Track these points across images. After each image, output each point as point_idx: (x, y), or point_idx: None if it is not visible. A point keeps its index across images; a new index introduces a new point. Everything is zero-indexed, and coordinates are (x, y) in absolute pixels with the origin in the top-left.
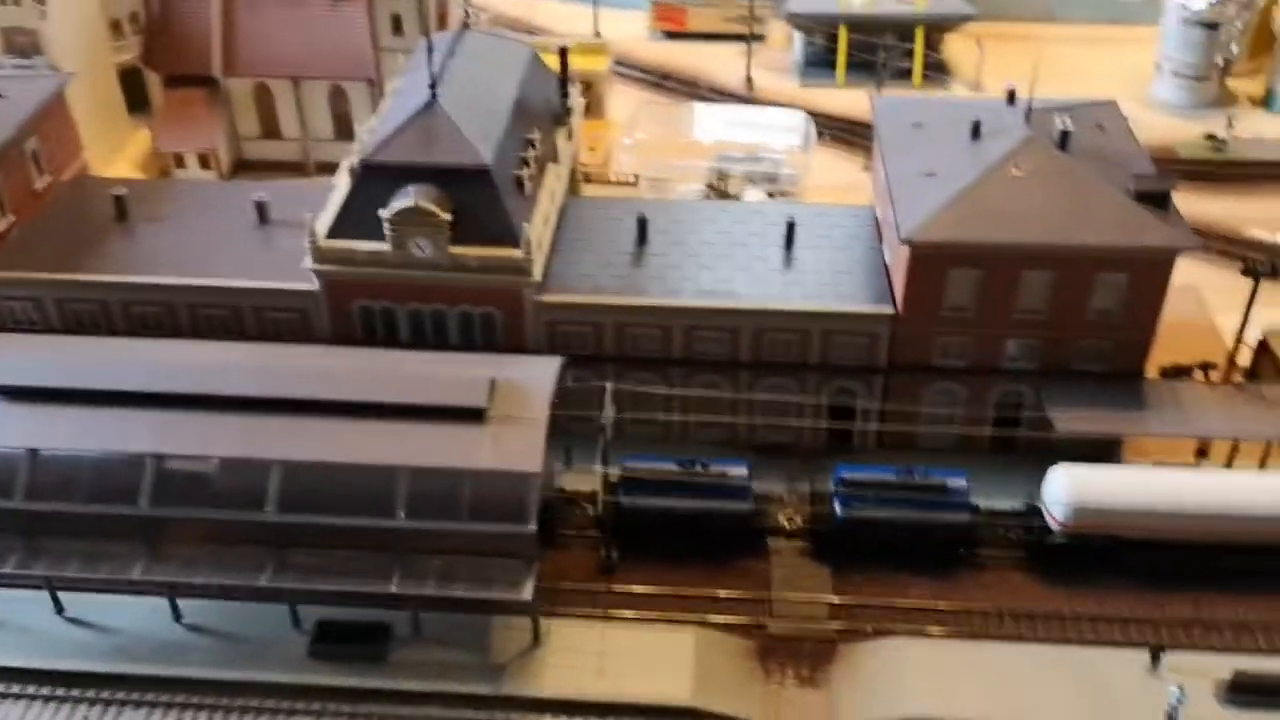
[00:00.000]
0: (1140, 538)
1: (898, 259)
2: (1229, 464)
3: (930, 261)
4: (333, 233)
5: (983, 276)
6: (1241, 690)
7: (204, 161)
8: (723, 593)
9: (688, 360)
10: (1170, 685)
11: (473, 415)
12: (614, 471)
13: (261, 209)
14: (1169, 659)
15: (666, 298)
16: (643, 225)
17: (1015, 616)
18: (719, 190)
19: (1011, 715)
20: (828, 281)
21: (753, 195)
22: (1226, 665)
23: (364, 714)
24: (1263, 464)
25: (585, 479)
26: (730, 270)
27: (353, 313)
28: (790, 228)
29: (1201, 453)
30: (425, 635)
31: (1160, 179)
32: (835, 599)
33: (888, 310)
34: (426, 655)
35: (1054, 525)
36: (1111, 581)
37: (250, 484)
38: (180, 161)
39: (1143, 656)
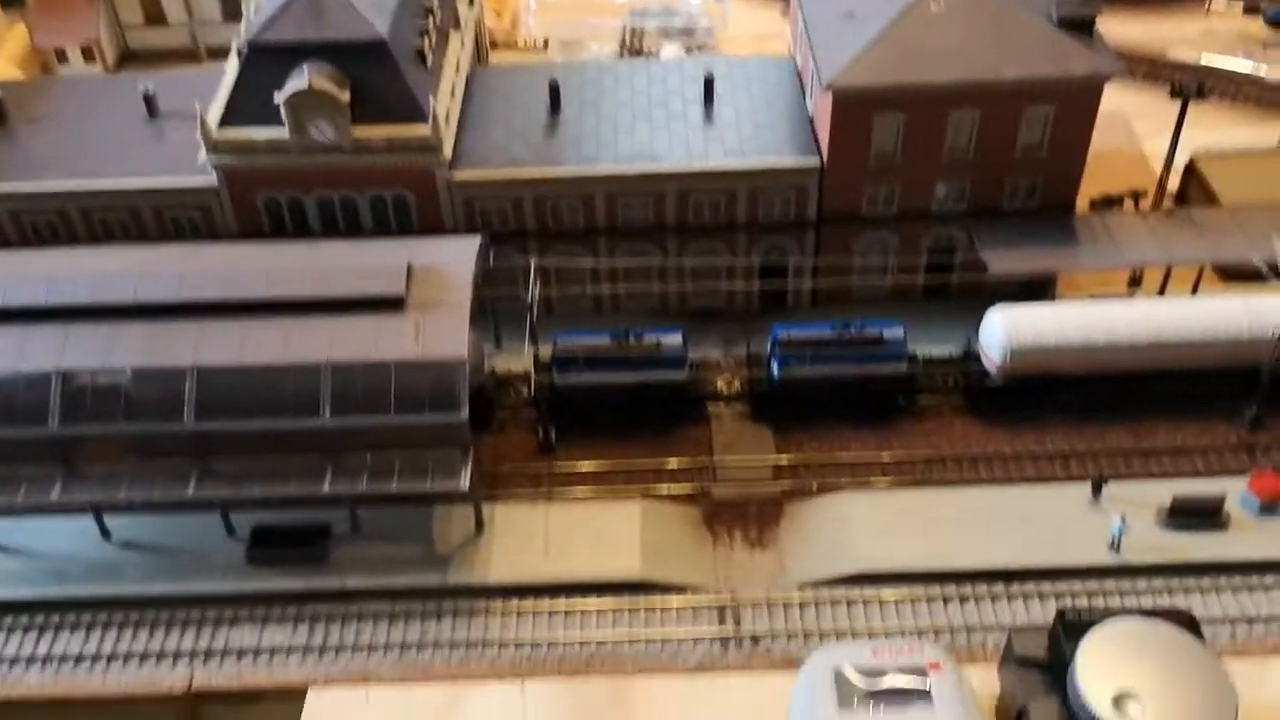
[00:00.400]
0: (1078, 373)
1: (820, 108)
2: (1162, 291)
3: (853, 108)
4: (225, 121)
5: (908, 120)
6: (1180, 514)
7: (87, 54)
8: (666, 463)
9: (612, 229)
10: (1112, 515)
11: (392, 304)
12: (545, 350)
13: (150, 102)
14: (1110, 490)
15: (585, 166)
16: (555, 91)
17: (957, 461)
18: (633, 49)
19: (959, 559)
20: (750, 137)
21: (669, 51)
22: (1166, 491)
23: (310, 615)
24: (1195, 288)
25: (517, 359)
26: (649, 132)
27: (258, 205)
28: (709, 83)
29: (1135, 282)
30: (365, 532)
31: (1083, 4)
32: (778, 459)
33: (814, 162)
34: (369, 552)
35: (992, 368)
36: (1051, 419)
37: (165, 394)
38: (62, 56)
39: (1084, 489)
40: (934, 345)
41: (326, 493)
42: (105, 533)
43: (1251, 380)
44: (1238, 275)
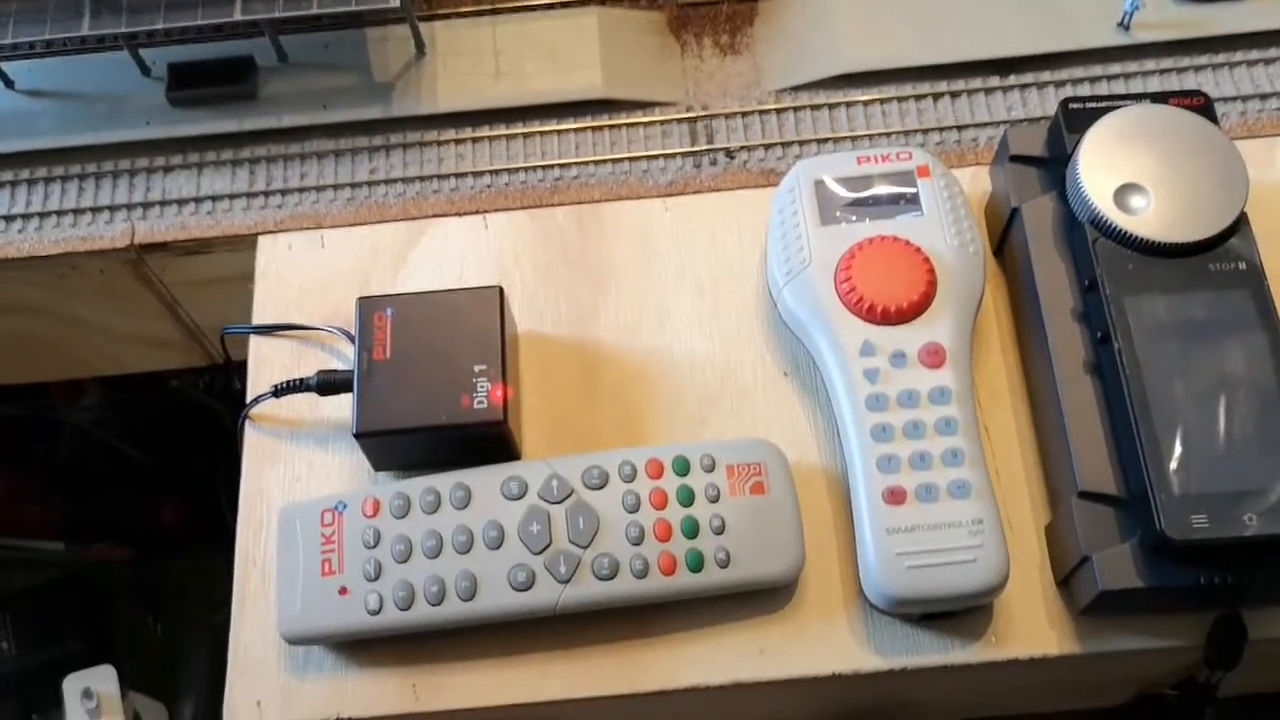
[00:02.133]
0: None
1: None
2: None
3: None
4: None
5: None
6: None
7: None
8: None
9: None
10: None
11: None
12: None
13: None
14: None
15: None
16: None
17: None
18: None
19: (953, 50)
20: None
21: None
22: None
23: (248, 158)
24: None
25: None
26: None
27: None
28: None
29: None
30: (295, 62)
31: None
32: None
33: None
34: (302, 85)
35: None
36: None
37: None
38: None
39: None
40: None
41: (239, 19)
42: (7, 82)
43: None
44: None
